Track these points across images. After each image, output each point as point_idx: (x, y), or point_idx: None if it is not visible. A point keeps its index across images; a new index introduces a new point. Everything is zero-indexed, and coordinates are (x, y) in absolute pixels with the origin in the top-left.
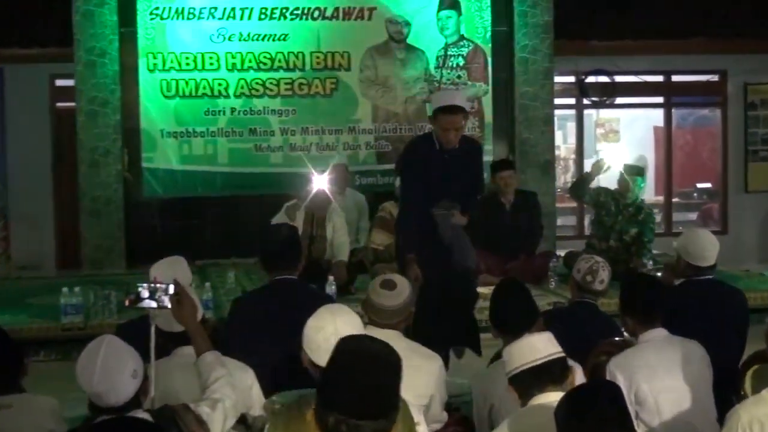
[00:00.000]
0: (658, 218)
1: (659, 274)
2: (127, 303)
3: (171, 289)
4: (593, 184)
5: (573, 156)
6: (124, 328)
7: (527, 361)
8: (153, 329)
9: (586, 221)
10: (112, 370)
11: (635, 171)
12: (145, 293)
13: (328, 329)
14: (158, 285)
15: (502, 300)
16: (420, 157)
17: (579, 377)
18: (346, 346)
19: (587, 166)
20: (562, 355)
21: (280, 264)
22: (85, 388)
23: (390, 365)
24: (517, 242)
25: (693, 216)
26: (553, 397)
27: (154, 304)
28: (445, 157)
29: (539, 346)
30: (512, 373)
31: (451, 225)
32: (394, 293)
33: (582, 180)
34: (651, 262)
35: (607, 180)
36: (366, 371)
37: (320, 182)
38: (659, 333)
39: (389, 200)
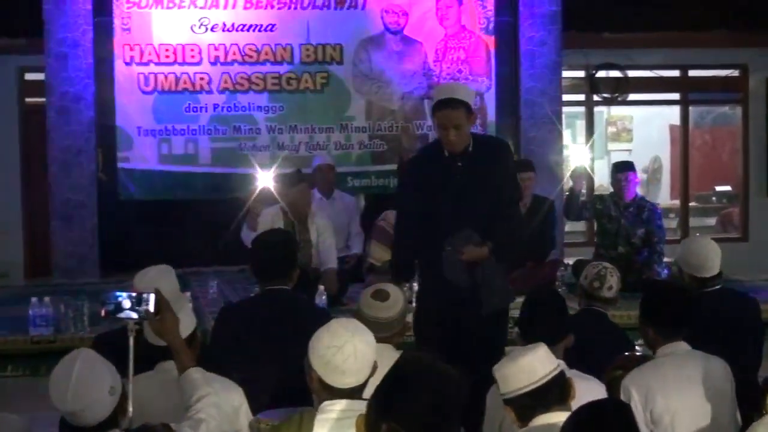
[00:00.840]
0: (674, 224)
1: None
2: (102, 314)
3: (151, 299)
4: (583, 191)
5: (582, 156)
6: (103, 339)
7: (525, 385)
8: (131, 341)
9: (596, 227)
10: (87, 387)
11: (626, 167)
12: (127, 303)
13: (347, 349)
14: (140, 295)
15: (535, 310)
16: (421, 173)
17: (585, 390)
18: (414, 359)
19: (597, 168)
20: (560, 370)
21: (274, 273)
22: (59, 407)
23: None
24: (527, 250)
25: (711, 221)
26: (558, 417)
27: (134, 315)
28: (458, 165)
29: (537, 366)
30: (510, 396)
31: (461, 267)
32: (386, 305)
33: (570, 199)
34: (666, 271)
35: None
36: (433, 387)
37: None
38: (680, 347)
39: (386, 204)
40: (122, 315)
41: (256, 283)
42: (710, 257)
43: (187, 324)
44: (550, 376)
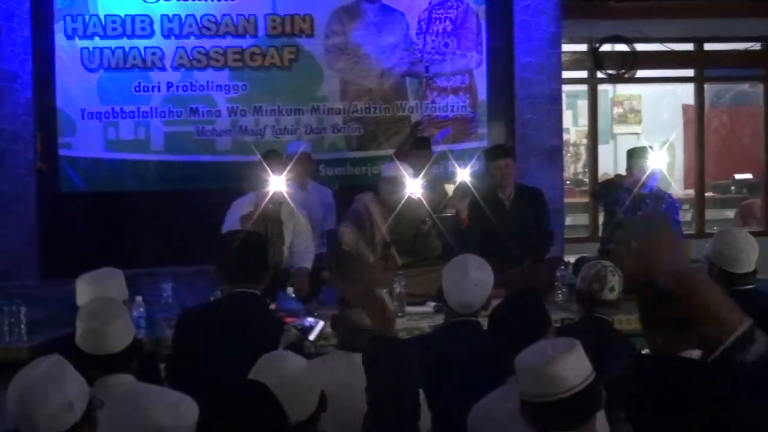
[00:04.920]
0: (689, 216)
1: None
2: None
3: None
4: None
5: (585, 141)
6: (42, 350)
7: (549, 392)
8: None
9: (601, 219)
10: (38, 397)
11: (643, 153)
12: None
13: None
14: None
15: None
16: None
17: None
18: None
19: (602, 153)
20: (593, 378)
21: (242, 274)
22: (9, 420)
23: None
24: (520, 247)
25: (730, 213)
26: None
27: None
28: None
29: (567, 375)
30: (526, 399)
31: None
32: None
33: (614, 188)
34: None
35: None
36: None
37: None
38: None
39: (367, 192)
40: None
41: (218, 286)
42: (746, 251)
43: (125, 333)
44: (580, 387)
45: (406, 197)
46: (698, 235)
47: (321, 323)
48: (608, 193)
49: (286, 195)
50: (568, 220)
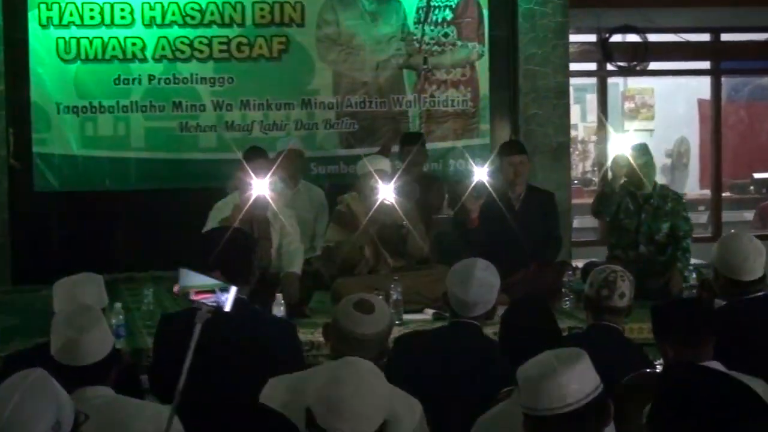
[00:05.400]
0: (704, 218)
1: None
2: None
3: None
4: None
5: (594, 138)
6: (11, 362)
7: (553, 406)
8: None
9: (608, 224)
10: (21, 423)
11: (644, 151)
12: None
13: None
14: None
15: (518, 323)
16: None
17: None
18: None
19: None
20: (600, 390)
21: (227, 277)
22: None
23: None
24: (525, 251)
25: (749, 215)
26: None
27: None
28: None
29: (573, 387)
30: (528, 412)
31: None
32: (371, 318)
33: (609, 196)
34: (694, 274)
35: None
36: None
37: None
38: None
39: (349, 192)
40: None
41: None
42: (752, 256)
43: (103, 343)
44: (585, 401)
45: (381, 199)
46: (715, 238)
47: (234, 288)
48: (606, 206)
49: (270, 199)
50: (576, 223)
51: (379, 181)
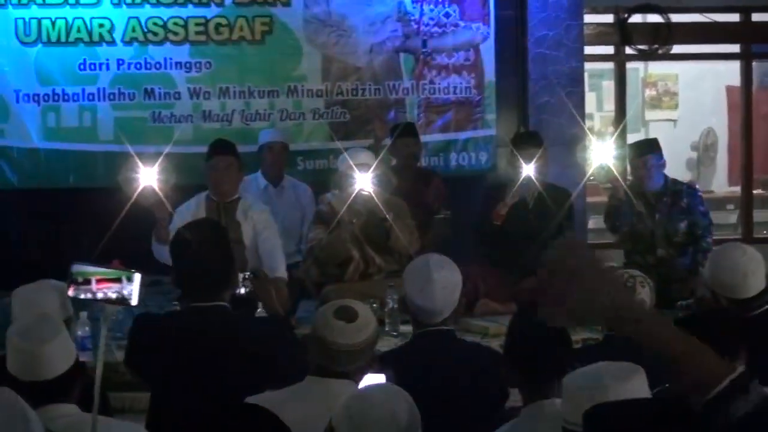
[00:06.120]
0: (733, 218)
1: None
2: None
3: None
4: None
5: (611, 129)
6: None
7: None
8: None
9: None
10: None
11: (648, 148)
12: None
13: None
14: None
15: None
16: None
17: None
18: None
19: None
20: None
21: (205, 284)
22: None
23: None
24: (537, 253)
25: None
26: None
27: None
28: None
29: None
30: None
31: None
32: (354, 326)
33: (618, 208)
34: None
35: None
36: None
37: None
38: None
39: (330, 191)
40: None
41: (179, 299)
42: (750, 271)
43: (64, 355)
44: None
45: (357, 190)
46: (746, 239)
47: (137, 276)
48: (617, 216)
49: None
50: (591, 223)
51: (365, 174)
